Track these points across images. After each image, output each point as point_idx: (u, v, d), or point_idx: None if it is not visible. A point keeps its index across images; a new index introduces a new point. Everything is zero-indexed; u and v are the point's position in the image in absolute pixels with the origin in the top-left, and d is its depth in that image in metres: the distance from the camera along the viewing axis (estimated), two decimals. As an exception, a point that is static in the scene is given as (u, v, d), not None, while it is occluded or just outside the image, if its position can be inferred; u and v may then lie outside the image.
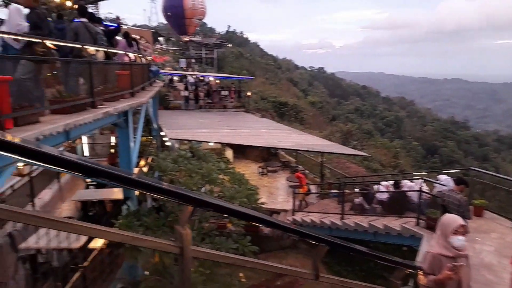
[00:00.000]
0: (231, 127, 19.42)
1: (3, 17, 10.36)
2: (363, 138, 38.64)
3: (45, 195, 11.94)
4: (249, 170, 18.90)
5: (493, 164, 52.48)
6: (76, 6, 10.69)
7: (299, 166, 19.32)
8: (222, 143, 18.06)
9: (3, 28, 5.82)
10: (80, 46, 6.53)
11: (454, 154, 54.72)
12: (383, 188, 11.66)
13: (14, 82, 4.76)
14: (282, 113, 35.82)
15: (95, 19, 7.82)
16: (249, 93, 27.40)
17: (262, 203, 9.53)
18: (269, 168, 19.02)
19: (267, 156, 21.23)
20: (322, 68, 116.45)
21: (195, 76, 30.66)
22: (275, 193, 16.60)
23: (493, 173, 11.68)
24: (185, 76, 31.11)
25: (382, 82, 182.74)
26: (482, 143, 63.62)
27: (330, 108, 70.34)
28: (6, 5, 11.22)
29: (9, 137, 0.87)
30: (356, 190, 13.61)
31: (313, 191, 15.99)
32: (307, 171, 18.42)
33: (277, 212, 14.49)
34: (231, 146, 19.03)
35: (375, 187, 12.38)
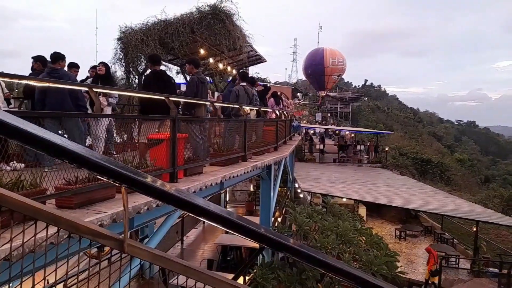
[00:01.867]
0: (366, 183, 18.54)
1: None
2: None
3: (191, 234, 13.41)
4: (384, 231, 17.42)
5: None
6: (235, 72, 12.44)
7: (446, 233, 16.80)
8: (356, 200, 17.31)
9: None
10: (238, 106, 7.47)
11: None
12: None
13: (187, 138, 5.72)
14: (424, 171, 32.46)
15: (253, 82, 8.89)
16: (386, 148, 26.01)
17: (402, 272, 8.52)
18: (408, 232, 17.12)
19: (406, 218, 19.24)
20: (473, 122, 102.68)
21: (330, 130, 31.01)
22: (415, 261, 14.71)
23: None
24: (322, 130, 31.79)
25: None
26: None
27: (483, 167, 60.49)
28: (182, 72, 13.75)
29: (168, 187, 1.04)
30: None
31: (463, 266, 13.59)
32: (455, 241, 15.87)
33: (418, 284, 12.70)
34: (365, 203, 18.04)
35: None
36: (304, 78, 60.26)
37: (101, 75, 6.59)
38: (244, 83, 7.91)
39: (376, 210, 19.42)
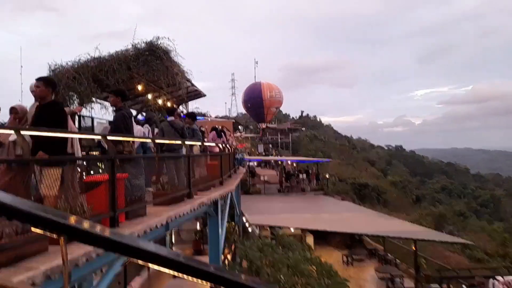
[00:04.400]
0: (312, 211, 18.91)
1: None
2: (458, 222, 34.41)
3: (135, 283, 12.36)
4: (332, 258, 17.64)
5: None
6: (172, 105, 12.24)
7: (388, 254, 17.55)
8: (303, 229, 17.49)
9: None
10: (180, 142, 7.26)
11: None
12: (501, 286, 9.83)
13: (127, 178, 5.35)
14: (362, 195, 34.21)
15: (193, 117, 8.78)
16: (327, 175, 27.07)
17: (354, 299, 8.60)
18: (355, 257, 17.56)
19: (351, 243, 19.81)
20: (400, 146, 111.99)
21: (273, 160, 31.58)
22: (365, 286, 15.02)
23: None
24: (264, 162, 32.22)
25: (470, 158, 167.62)
26: None
27: (413, 187, 65.47)
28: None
29: (108, 233, 0.89)
30: (464, 287, 11.69)
31: (408, 285, 14.19)
32: (397, 261, 16.61)
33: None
34: (312, 231, 18.30)
35: (490, 283, 10.51)
36: (244, 111, 61.56)
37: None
38: (171, 118, 7.78)
39: (323, 237, 19.76)
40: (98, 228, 0.87)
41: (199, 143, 8.29)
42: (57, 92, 10.57)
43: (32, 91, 4.63)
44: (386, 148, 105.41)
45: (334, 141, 77.07)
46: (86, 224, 0.85)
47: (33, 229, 0.78)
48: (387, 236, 16.33)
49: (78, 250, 3.11)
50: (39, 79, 4.29)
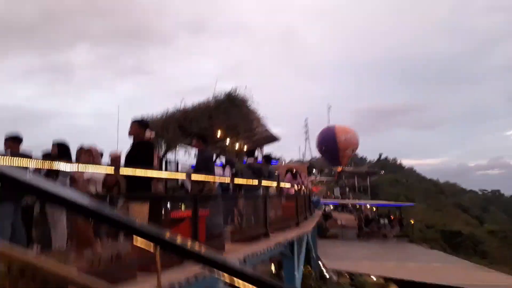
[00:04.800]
0: (395, 259, 17.47)
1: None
2: None
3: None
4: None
5: None
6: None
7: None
8: (385, 277, 16.15)
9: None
10: (257, 182, 7.61)
11: None
12: None
13: (207, 216, 5.76)
14: (455, 244, 30.55)
15: (268, 159, 9.19)
16: (412, 221, 25.02)
17: None
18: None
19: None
20: (498, 190, 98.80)
21: (350, 204, 30.39)
22: None
23: None
24: (341, 205, 31.18)
25: None
26: None
27: (520, 237, 56.38)
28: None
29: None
30: None
31: None
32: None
33: None
34: (396, 281, 16.76)
35: None
36: (318, 155, 61.05)
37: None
38: (250, 159, 8.18)
39: (409, 289, 17.96)
40: (188, 243, 0.98)
41: (275, 183, 8.56)
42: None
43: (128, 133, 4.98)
44: (480, 192, 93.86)
45: (417, 185, 71.35)
46: (179, 239, 1.00)
47: (134, 240, 0.88)
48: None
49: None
50: (134, 120, 4.96)
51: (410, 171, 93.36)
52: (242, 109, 11.42)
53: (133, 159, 4.71)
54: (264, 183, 8.07)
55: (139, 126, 4.87)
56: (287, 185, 10.88)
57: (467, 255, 27.45)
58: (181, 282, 3.69)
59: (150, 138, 5.04)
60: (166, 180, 7.33)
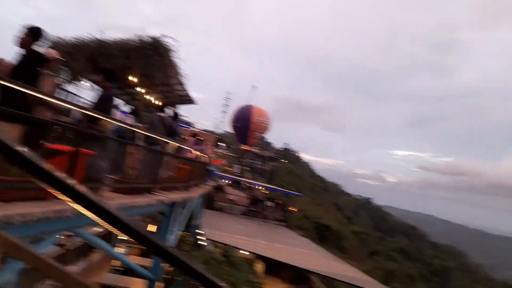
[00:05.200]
0: (269, 239, 18.94)
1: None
2: (405, 283, 34.90)
3: (74, 267, 11.97)
4: (277, 290, 17.62)
5: None
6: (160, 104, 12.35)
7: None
8: (255, 253, 17.46)
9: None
10: (156, 136, 7.38)
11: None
12: None
13: (92, 157, 5.39)
14: (324, 236, 34.45)
15: (175, 117, 8.96)
16: (293, 209, 27.26)
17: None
18: (299, 294, 17.57)
19: (299, 279, 19.78)
20: (370, 198, 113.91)
21: (246, 183, 31.64)
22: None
23: None
24: (236, 182, 32.23)
25: (432, 226, 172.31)
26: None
27: (373, 241, 66.28)
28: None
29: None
30: None
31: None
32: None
33: None
34: (264, 259, 18.27)
35: None
36: (230, 131, 61.82)
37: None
38: (162, 114, 7.97)
39: (274, 268, 19.71)
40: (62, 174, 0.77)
41: (176, 143, 8.41)
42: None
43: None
44: (356, 197, 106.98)
45: (309, 179, 77.82)
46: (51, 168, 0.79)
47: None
48: (334, 279, 16.47)
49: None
50: (25, 27, 4.15)
51: (306, 166, 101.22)
52: (164, 60, 10.80)
53: (18, 72, 4.10)
54: (165, 140, 7.88)
55: (28, 34, 4.20)
56: (188, 148, 10.81)
57: (330, 247, 31.24)
58: (39, 216, 3.41)
59: (52, 57, 4.43)
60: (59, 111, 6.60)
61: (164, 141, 7.96)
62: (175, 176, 8.86)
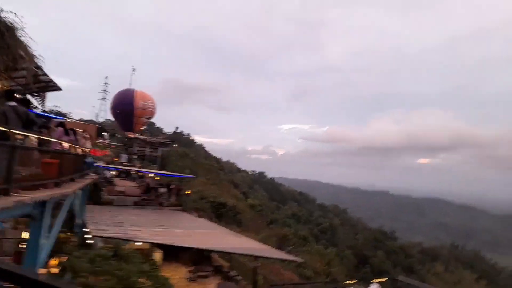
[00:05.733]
0: (164, 226, 18.51)
1: None
2: (298, 244, 38.63)
3: None
4: (178, 274, 17.50)
5: (419, 276, 54.16)
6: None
7: (232, 271, 18.36)
8: (151, 243, 16.90)
9: None
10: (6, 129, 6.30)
11: (384, 264, 56.08)
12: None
13: None
14: (220, 214, 35.30)
15: (26, 102, 7.79)
16: (188, 192, 27.07)
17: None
18: (199, 273, 17.76)
19: (199, 260, 20.01)
20: (263, 172, 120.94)
21: (135, 172, 30.02)
22: (204, 302, 15.30)
23: (418, 283, 12.12)
24: (125, 172, 30.31)
25: (318, 190, 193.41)
26: (408, 254, 66.49)
27: (269, 211, 71.06)
28: None
29: None
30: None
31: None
32: (240, 277, 17.50)
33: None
34: (162, 247, 17.85)
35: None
36: (113, 118, 57.18)
37: None
38: (13, 103, 6.85)
39: (173, 253, 19.46)
40: None
41: (33, 135, 7.33)
42: None
43: None
44: (250, 172, 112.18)
45: (203, 161, 78.10)
46: None
47: None
48: (230, 252, 17.17)
49: None
50: None
51: (200, 148, 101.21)
52: (6, 39, 9.10)
53: None
54: (21, 133, 6.80)
55: None
56: (56, 140, 9.58)
57: (228, 223, 32.27)
58: None
59: None
60: None
61: (20, 134, 6.89)
62: (41, 172, 7.79)
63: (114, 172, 30.47)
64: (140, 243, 15.62)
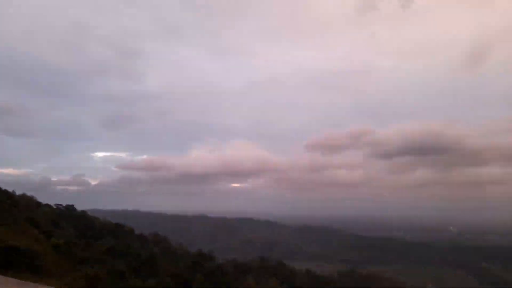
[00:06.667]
0: None
1: None
2: (115, 281, 36.09)
3: None
4: None
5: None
6: None
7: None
8: None
9: None
10: None
11: (203, 285, 58.56)
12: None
13: None
14: (8, 262, 29.26)
15: None
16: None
17: None
18: None
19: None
20: (72, 205, 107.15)
21: None
22: None
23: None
24: None
25: (138, 219, 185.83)
26: (224, 272, 71.76)
27: (79, 250, 63.36)
28: None
29: None
30: None
31: None
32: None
33: None
34: None
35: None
36: None
37: None
38: None
39: None
40: None
41: None
42: None
43: None
44: (55, 207, 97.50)
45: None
46: None
47: None
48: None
49: None
50: None
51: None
52: None
53: None
54: None
55: None
56: None
57: (18, 272, 27.12)
58: None
59: None
60: None
61: None
62: None
63: None
64: None
